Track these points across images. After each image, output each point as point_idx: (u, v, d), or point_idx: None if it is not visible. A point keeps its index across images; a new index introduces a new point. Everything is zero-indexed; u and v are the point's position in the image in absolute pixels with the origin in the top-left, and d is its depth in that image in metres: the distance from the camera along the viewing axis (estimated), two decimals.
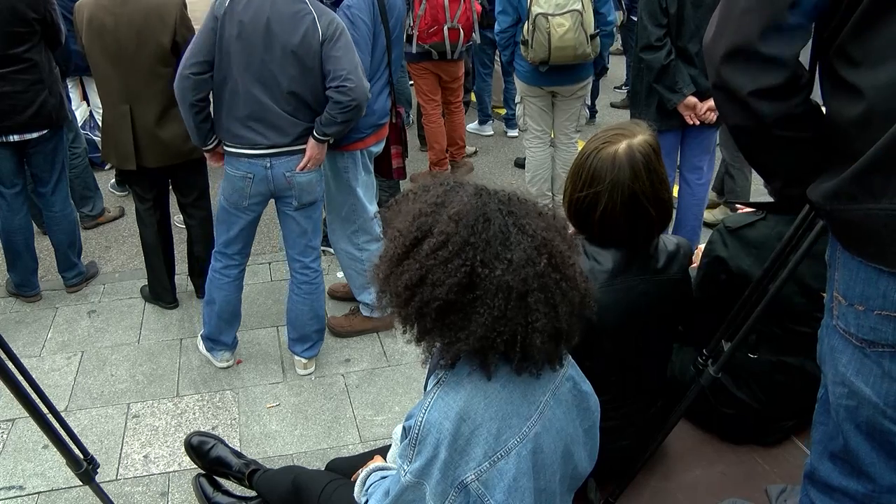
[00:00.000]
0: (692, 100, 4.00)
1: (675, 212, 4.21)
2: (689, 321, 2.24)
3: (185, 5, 3.69)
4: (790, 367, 2.26)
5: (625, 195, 1.83)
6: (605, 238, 1.92)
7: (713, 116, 4.06)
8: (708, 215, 4.88)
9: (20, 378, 2.05)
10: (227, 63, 3.07)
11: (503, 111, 7.21)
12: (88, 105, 6.12)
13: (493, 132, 7.22)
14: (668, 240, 2.04)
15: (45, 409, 2.11)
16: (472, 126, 7.17)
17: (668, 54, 3.93)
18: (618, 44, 8.06)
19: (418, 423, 1.39)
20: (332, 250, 4.12)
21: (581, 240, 1.93)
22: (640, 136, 1.88)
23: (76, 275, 4.46)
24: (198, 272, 4.16)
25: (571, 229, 1.95)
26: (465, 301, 1.29)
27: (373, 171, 3.83)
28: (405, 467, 1.42)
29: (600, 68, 4.84)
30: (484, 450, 1.37)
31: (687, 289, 2.08)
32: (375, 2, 3.45)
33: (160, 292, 4.22)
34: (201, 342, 3.75)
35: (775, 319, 2.17)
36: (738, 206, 2.62)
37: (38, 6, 3.77)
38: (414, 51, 5.34)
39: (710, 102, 4.04)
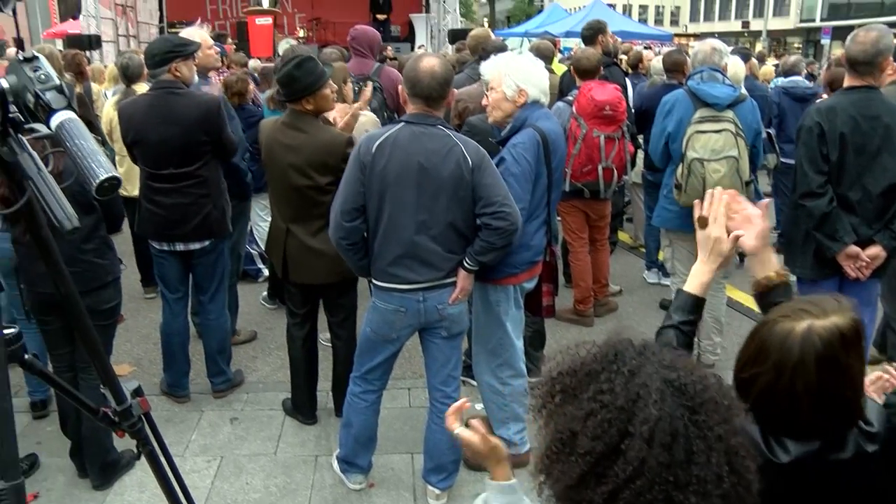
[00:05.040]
0: (854, 249, 3.80)
1: None
2: None
3: (351, 143, 3.77)
4: None
5: (785, 384, 1.58)
6: (768, 423, 1.66)
7: (867, 272, 3.83)
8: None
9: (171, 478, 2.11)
10: (381, 206, 3.17)
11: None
12: (249, 220, 6.52)
13: (658, 280, 6.88)
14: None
15: None
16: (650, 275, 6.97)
17: (829, 202, 3.79)
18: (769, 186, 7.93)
19: None
20: (473, 381, 4.10)
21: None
22: (832, 318, 1.58)
23: (223, 381, 4.63)
24: (339, 391, 4.23)
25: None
26: None
27: (522, 306, 3.83)
28: None
29: None
30: None
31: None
32: (540, 142, 3.55)
33: (301, 406, 4.31)
34: (336, 462, 3.77)
35: None
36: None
37: (210, 129, 4.13)
38: (567, 189, 5.40)
39: (872, 250, 3.82)
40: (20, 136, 1.48)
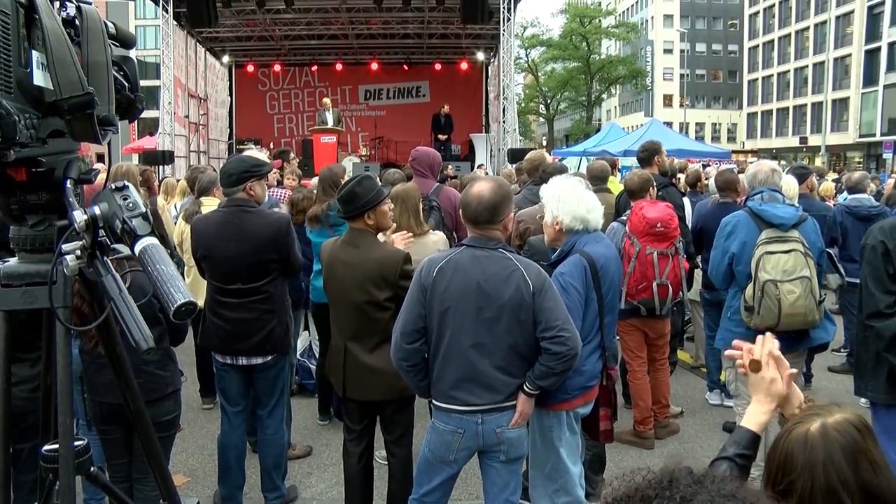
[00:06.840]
0: None
1: None
2: None
3: (408, 260, 3.88)
4: None
5: (821, 483, 1.61)
6: None
7: None
8: None
9: None
10: (441, 328, 3.21)
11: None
12: (309, 335, 6.62)
13: (720, 401, 6.66)
14: None
15: None
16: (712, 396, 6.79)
17: None
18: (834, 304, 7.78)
19: None
20: None
21: None
22: (839, 415, 1.70)
23: (277, 497, 4.58)
24: None
25: None
26: None
27: (578, 431, 3.77)
28: None
29: (820, 346, 4.61)
30: None
31: None
32: (587, 268, 3.59)
33: None
34: None
35: None
36: None
37: (280, 248, 4.26)
38: (623, 307, 5.38)
39: None
40: (106, 258, 1.56)
